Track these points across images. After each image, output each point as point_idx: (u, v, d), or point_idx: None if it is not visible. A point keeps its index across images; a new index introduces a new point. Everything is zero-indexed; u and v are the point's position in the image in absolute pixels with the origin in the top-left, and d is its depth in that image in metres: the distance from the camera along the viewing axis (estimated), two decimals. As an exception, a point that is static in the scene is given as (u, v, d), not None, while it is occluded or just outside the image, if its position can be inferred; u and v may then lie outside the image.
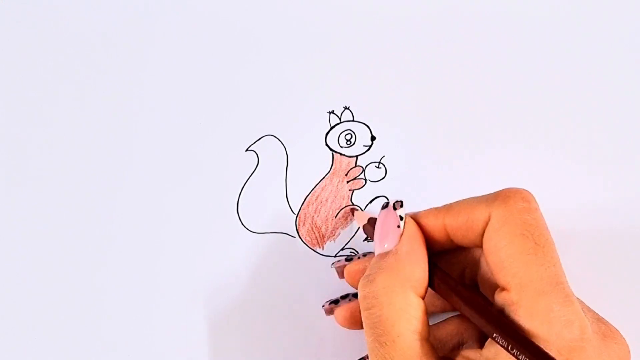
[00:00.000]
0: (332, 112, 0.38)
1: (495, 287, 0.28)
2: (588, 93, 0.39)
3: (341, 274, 0.35)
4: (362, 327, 0.29)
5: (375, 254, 0.30)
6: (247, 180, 0.38)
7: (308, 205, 0.37)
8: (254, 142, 0.38)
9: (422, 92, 0.39)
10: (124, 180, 0.38)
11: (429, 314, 0.29)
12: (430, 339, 0.28)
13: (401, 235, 0.30)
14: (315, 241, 0.37)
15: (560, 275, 0.26)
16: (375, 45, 0.39)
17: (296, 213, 0.37)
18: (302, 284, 0.37)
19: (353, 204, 0.38)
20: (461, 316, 0.32)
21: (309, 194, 0.38)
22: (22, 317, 0.36)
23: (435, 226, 0.30)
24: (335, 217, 0.37)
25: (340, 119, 0.38)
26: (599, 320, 0.28)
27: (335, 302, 0.35)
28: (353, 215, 0.37)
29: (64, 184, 0.38)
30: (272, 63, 0.39)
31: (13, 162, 0.38)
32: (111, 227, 0.37)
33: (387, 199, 0.37)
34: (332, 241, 0.37)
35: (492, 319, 0.27)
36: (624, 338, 0.27)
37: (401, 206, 0.31)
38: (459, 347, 0.31)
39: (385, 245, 0.30)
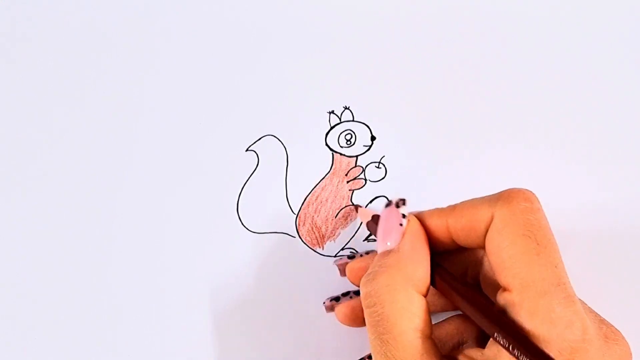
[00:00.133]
0: (332, 112, 0.38)
1: (497, 287, 0.28)
2: (588, 93, 0.39)
3: (343, 272, 0.35)
4: (362, 325, 0.29)
5: (378, 251, 0.30)
6: (247, 180, 0.38)
7: (308, 205, 0.37)
8: (254, 142, 0.38)
9: (422, 92, 0.39)
10: (124, 180, 0.38)
11: (430, 312, 0.29)
12: (432, 336, 0.28)
13: (404, 234, 0.30)
14: (315, 241, 0.37)
15: (563, 275, 0.26)
16: (375, 45, 0.39)
17: (296, 213, 0.37)
18: (302, 283, 0.36)
19: (353, 204, 0.38)
20: (462, 315, 0.32)
21: (309, 194, 0.38)
22: (22, 317, 0.36)
23: (438, 226, 0.30)
24: (335, 217, 0.37)
25: (340, 119, 0.38)
26: (601, 321, 0.28)
27: (336, 299, 0.35)
28: (357, 212, 0.37)
29: (64, 184, 0.38)
30: (272, 63, 0.39)
31: (13, 162, 0.38)
32: (111, 227, 0.37)
33: (388, 199, 0.37)
34: (332, 241, 0.37)
35: (494, 319, 0.27)
36: (625, 339, 0.27)
37: (404, 204, 0.31)
38: (459, 346, 0.31)
39: (388, 244, 0.30)
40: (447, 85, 0.39)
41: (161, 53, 0.39)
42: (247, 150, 0.38)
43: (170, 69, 0.39)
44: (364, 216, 0.34)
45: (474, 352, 0.28)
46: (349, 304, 0.33)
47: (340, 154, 0.38)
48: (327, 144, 0.38)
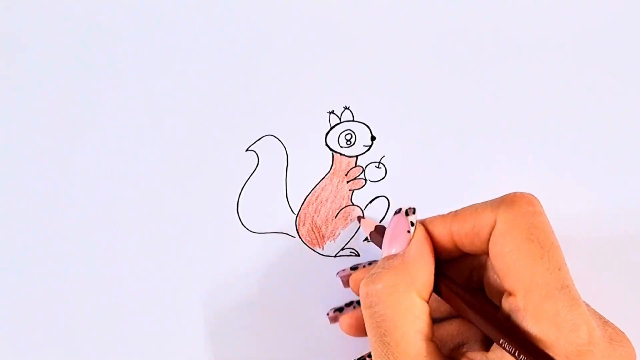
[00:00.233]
0: (332, 112, 0.38)
1: (502, 291, 0.28)
2: (590, 97, 0.39)
3: (346, 283, 0.35)
4: (367, 335, 0.29)
5: (382, 257, 0.30)
6: (247, 180, 0.38)
7: (308, 205, 0.37)
8: (254, 142, 0.38)
9: (422, 92, 0.39)
10: (124, 180, 0.38)
11: (434, 319, 0.29)
12: (434, 339, 0.28)
13: (410, 241, 0.30)
14: (315, 241, 0.37)
15: (567, 278, 0.26)
16: (375, 45, 0.39)
17: (296, 213, 0.37)
18: (302, 283, 0.37)
19: (353, 204, 0.38)
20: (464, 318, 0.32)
21: (309, 194, 0.38)
22: (21, 317, 0.36)
23: (441, 234, 0.30)
24: (335, 217, 0.37)
25: (340, 119, 0.38)
26: (606, 323, 0.28)
27: (340, 309, 0.35)
28: (360, 222, 0.37)
29: (64, 184, 0.38)
30: (272, 63, 0.39)
31: (13, 162, 0.38)
32: (111, 227, 0.37)
33: (388, 199, 0.38)
34: (332, 241, 0.37)
35: (498, 325, 0.27)
36: (630, 341, 0.27)
37: (414, 213, 0.31)
38: (460, 347, 0.31)
39: (393, 250, 0.30)
40: (448, 86, 0.39)
41: (161, 53, 0.39)
42: (247, 150, 0.38)
43: (170, 69, 0.39)
44: (367, 227, 0.34)
45: (478, 355, 0.28)
46: (353, 315, 0.34)
47: (340, 154, 0.38)
48: (327, 144, 0.38)
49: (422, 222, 0.31)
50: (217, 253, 0.37)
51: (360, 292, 0.29)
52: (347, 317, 0.34)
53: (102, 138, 0.38)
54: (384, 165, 0.38)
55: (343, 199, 0.38)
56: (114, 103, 0.39)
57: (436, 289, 0.29)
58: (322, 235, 0.37)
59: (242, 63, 0.39)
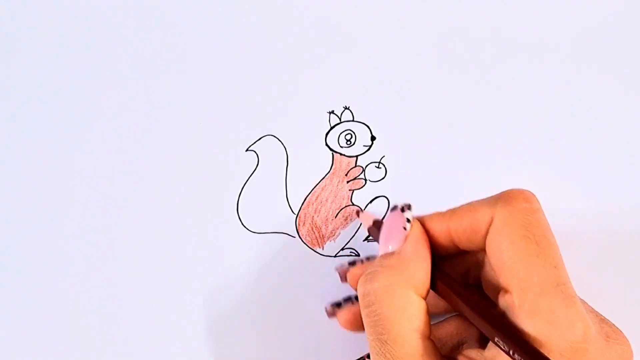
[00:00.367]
0: (332, 112, 0.38)
1: (498, 288, 0.28)
2: (588, 94, 0.39)
3: (344, 278, 0.35)
4: (364, 329, 0.29)
5: (379, 254, 0.30)
6: (247, 180, 0.38)
7: (308, 205, 0.37)
8: (254, 142, 0.38)
9: (422, 92, 0.39)
10: (124, 180, 0.38)
11: (431, 315, 0.29)
12: (431, 337, 0.28)
13: (406, 237, 0.30)
14: (315, 241, 0.37)
15: (563, 276, 0.26)
16: (375, 46, 0.39)
17: (296, 213, 0.37)
18: (301, 283, 0.37)
19: (353, 204, 0.38)
20: (461, 315, 0.32)
21: (309, 194, 0.38)
22: (21, 317, 0.36)
23: (439, 231, 0.30)
24: (335, 217, 0.37)
25: (340, 119, 0.38)
26: (602, 320, 0.28)
27: (338, 304, 0.35)
28: (358, 217, 0.37)
29: (64, 184, 0.38)
30: (272, 63, 0.39)
31: (13, 162, 0.38)
32: (111, 227, 0.37)
33: (388, 199, 0.37)
34: (332, 241, 0.37)
35: (494, 322, 0.27)
36: (627, 338, 0.27)
37: (409, 209, 0.31)
38: (459, 346, 0.31)
39: (390, 247, 0.30)
40: (448, 86, 0.39)
41: (161, 53, 0.39)
42: (247, 150, 0.38)
43: (170, 69, 0.39)
44: (366, 220, 0.34)
45: (473, 353, 0.28)
46: (351, 310, 0.33)
47: (340, 154, 0.38)
48: (327, 144, 0.38)
49: (420, 219, 0.31)
50: (217, 253, 0.37)
51: (358, 291, 0.29)
52: (344, 312, 0.33)
53: (102, 138, 0.38)
54: (384, 165, 0.38)
55: (343, 199, 0.38)
56: (114, 103, 0.39)
57: (433, 285, 0.29)
58: (322, 235, 0.37)
59: (242, 63, 0.39)
